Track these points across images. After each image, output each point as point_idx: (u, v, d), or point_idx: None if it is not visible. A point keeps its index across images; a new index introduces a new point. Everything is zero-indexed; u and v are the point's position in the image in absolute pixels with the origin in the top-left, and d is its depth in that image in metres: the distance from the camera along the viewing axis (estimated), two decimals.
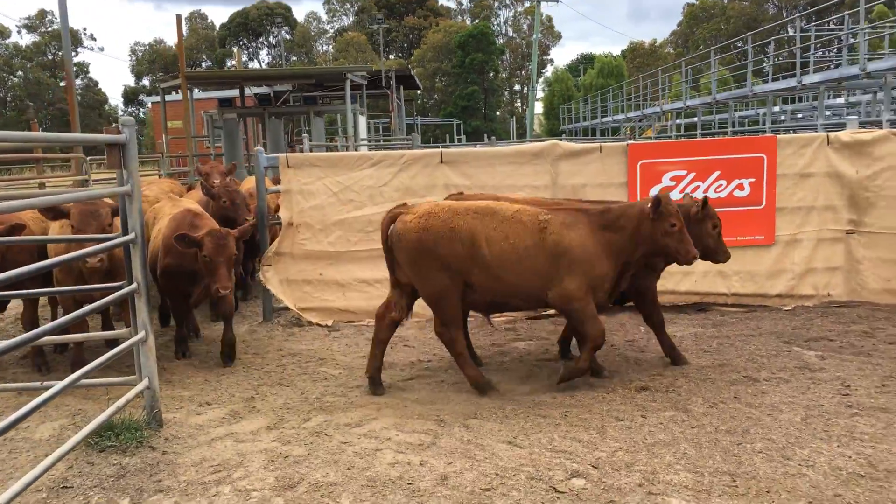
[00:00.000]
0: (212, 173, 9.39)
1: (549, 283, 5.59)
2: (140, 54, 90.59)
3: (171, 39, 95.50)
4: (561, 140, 8.39)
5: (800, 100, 25.14)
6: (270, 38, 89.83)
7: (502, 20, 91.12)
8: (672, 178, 7.90)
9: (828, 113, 23.64)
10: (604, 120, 36.26)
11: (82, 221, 5.66)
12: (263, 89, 25.09)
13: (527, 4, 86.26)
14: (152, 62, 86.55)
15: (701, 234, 6.05)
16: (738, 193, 7.92)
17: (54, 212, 5.77)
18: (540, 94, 66.02)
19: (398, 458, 4.66)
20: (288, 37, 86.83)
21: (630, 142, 8.37)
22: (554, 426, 5.09)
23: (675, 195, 7.76)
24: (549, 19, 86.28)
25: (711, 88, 23.53)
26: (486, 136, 33.35)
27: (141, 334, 4.98)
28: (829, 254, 8.14)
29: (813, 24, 20.75)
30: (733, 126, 22.72)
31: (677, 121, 29.99)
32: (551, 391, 5.81)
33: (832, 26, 23.76)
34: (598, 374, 6.04)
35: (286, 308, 8.25)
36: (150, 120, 43.20)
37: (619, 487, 4.16)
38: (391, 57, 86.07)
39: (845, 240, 8.09)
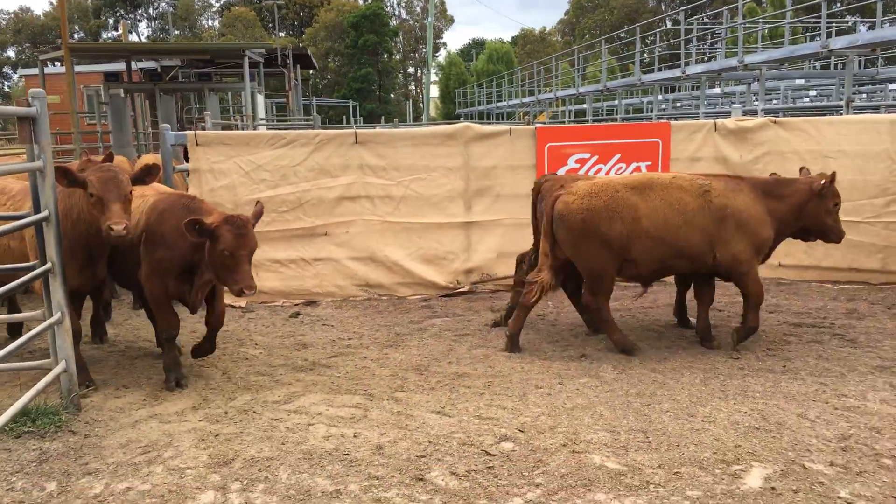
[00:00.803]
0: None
1: (715, 245, 5.93)
2: (3, 23, 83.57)
3: (39, 7, 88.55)
4: (471, 123, 8.62)
5: (680, 89, 26.65)
6: (151, 10, 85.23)
7: (395, 2, 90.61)
8: (577, 161, 8.31)
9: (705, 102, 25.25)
10: (499, 105, 37.03)
11: (104, 188, 5.08)
12: (150, 64, 23.89)
13: None
14: (18, 32, 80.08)
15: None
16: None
17: (69, 178, 5.21)
18: (434, 77, 66.35)
19: (331, 431, 4.75)
20: (171, 10, 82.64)
21: (538, 125, 8.72)
22: (478, 396, 5.33)
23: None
24: (442, 2, 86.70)
25: (601, 77, 24.57)
26: (383, 118, 33.30)
27: (56, 315, 4.79)
28: None
29: (694, 18, 22.02)
30: (620, 113, 23.85)
31: (569, 107, 31.06)
32: (472, 364, 6.06)
33: (709, 21, 25.32)
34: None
35: None
36: (22, 94, 40.09)
37: (546, 448, 4.44)
38: (281, 35, 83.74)
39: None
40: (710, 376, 5.65)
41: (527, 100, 33.08)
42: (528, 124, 12.72)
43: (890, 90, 21.40)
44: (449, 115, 54.14)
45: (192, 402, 5.29)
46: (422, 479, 4.10)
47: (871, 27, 23.09)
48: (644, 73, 21.71)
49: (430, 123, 32.22)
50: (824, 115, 15.32)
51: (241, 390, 5.53)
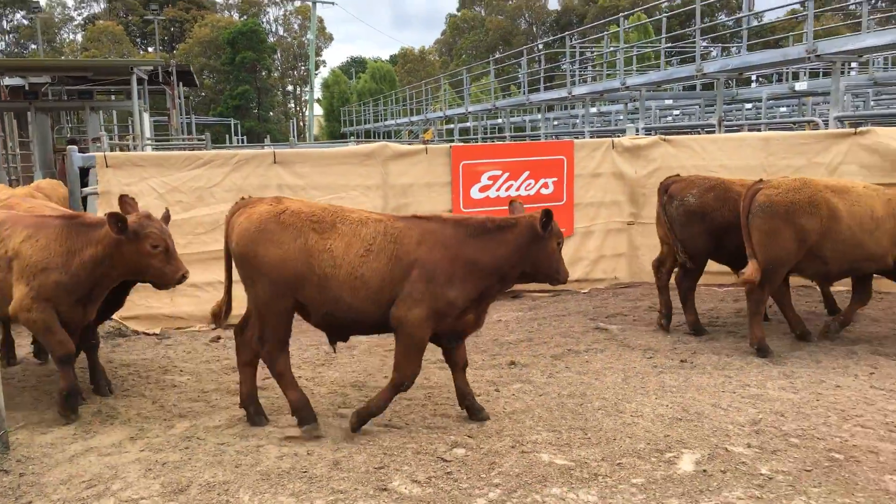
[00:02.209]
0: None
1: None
2: None
3: None
4: (349, 141, 8.81)
5: (564, 108, 27.99)
6: (4, 23, 79.38)
7: (272, 18, 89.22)
8: (489, 178, 8.69)
9: (578, 121, 26.72)
10: (386, 123, 37.35)
11: (168, 239, 5.31)
12: (16, 80, 22.35)
13: (297, 3, 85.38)
14: None
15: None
16: (544, 191, 8.91)
17: (123, 227, 5.16)
18: (317, 95, 65.85)
19: (283, 451, 4.78)
20: (26, 22, 77.28)
21: (453, 144, 9.03)
22: (422, 406, 5.51)
23: (493, 193, 8.60)
24: (321, 20, 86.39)
25: (490, 96, 25.42)
26: (268, 137, 32.73)
27: None
28: (615, 243, 9.46)
29: (577, 41, 23.32)
30: (508, 132, 24.77)
31: (459, 125, 31.84)
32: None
33: (591, 45, 26.85)
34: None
35: None
36: None
37: (497, 451, 4.69)
38: (150, 50, 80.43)
39: (627, 230, 9.46)
40: (630, 375, 6.11)
41: (415, 118, 33.62)
42: (424, 143, 13.05)
43: (747, 109, 23.54)
44: (334, 134, 53.87)
45: (128, 433, 5.13)
46: (385, 489, 4.23)
47: (725, 52, 25.30)
48: (531, 92, 22.69)
49: (327, 143, 31.96)
50: (696, 133, 16.66)
51: (178, 418, 5.42)
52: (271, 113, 77.58)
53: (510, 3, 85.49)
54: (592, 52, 25.25)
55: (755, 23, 19.24)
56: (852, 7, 22.45)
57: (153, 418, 5.41)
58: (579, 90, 19.33)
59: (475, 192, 8.70)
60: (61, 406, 5.35)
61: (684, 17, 38.92)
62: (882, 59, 19.81)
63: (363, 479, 4.35)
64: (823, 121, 10.98)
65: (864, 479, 4.16)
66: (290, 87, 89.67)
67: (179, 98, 23.39)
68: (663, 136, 9.39)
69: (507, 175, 8.77)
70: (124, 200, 5.56)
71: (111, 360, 6.92)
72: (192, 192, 7.85)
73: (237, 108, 66.48)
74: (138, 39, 79.15)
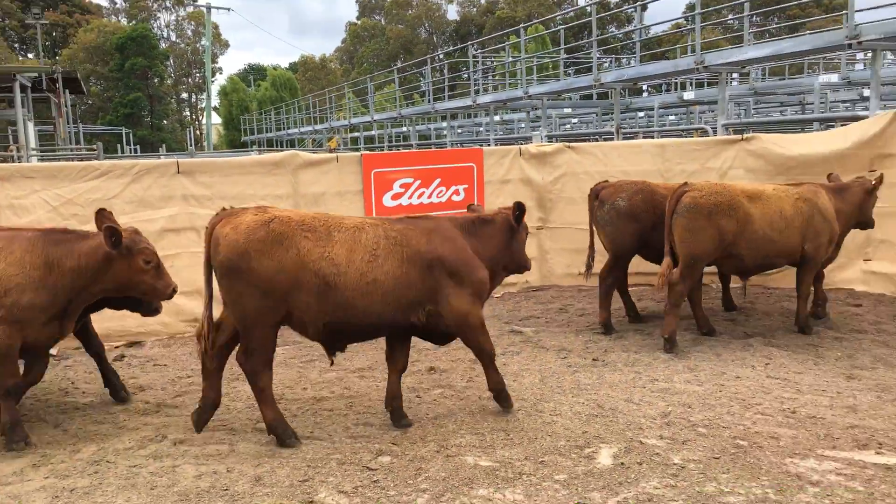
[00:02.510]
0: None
1: (805, 241, 6.99)
2: None
3: None
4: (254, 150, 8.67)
5: (468, 116, 28.38)
6: None
7: (163, 23, 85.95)
8: (402, 186, 8.72)
9: (481, 129, 27.24)
10: (290, 132, 36.69)
11: (155, 254, 5.24)
12: None
13: (190, 9, 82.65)
14: None
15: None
16: (455, 198, 9.02)
17: (117, 242, 4.98)
18: (214, 102, 63.85)
19: (201, 469, 4.61)
20: None
21: (364, 153, 8.99)
22: (343, 416, 5.45)
23: (405, 201, 8.63)
24: (216, 27, 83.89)
25: (395, 104, 25.47)
26: (164, 146, 31.35)
27: None
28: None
29: (480, 52, 23.74)
30: (414, 139, 24.90)
31: (364, 133, 31.70)
32: (328, 387, 6.15)
33: (491, 55, 27.38)
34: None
35: None
36: None
37: (422, 456, 4.70)
38: (30, 56, 75.81)
39: (536, 234, 9.70)
40: (546, 376, 6.28)
41: (319, 126, 33.21)
42: (329, 151, 12.95)
43: (640, 117, 24.68)
44: (234, 143, 52.41)
45: (29, 461, 4.81)
46: (312, 502, 4.17)
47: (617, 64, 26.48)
48: (436, 101, 22.91)
49: (229, 152, 31.03)
50: (595, 140, 17.29)
51: (84, 441, 5.13)
52: (165, 121, 74.59)
53: (410, 12, 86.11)
54: (493, 62, 25.80)
55: (645, 35, 20.23)
56: (730, 22, 23.97)
57: (56, 443, 5.11)
58: (483, 99, 19.70)
59: (387, 200, 8.70)
60: (8, 440, 4.99)
61: (578, 29, 40.45)
62: (760, 71, 21.22)
63: (288, 493, 4.26)
64: (712, 128, 11.66)
65: (768, 463, 4.44)
66: (184, 95, 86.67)
67: (66, 106, 22.21)
68: (568, 144, 9.70)
69: (418, 182, 8.83)
70: (102, 214, 5.24)
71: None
72: (89, 204, 7.44)
73: (128, 117, 63.59)
74: (16, 45, 74.35)
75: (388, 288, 4.87)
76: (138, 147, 36.68)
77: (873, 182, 7.49)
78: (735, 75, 20.44)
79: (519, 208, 5.40)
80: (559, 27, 20.84)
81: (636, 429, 5.04)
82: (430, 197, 8.80)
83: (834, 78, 16.41)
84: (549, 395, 5.77)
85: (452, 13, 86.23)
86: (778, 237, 6.92)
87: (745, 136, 9.29)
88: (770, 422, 5.08)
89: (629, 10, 46.30)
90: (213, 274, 4.87)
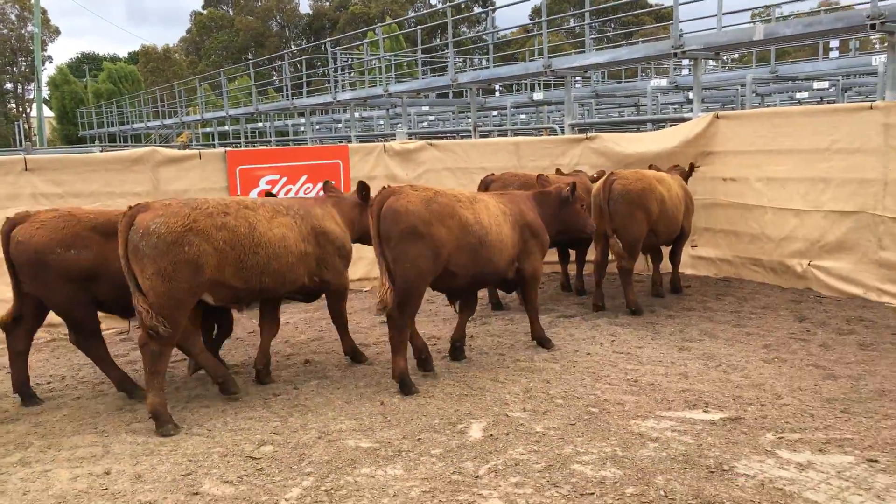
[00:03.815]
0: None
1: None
2: None
3: None
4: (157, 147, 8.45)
5: (325, 112, 28.29)
6: None
7: None
8: (268, 182, 8.74)
9: (340, 125, 27.31)
10: (135, 126, 34.70)
11: None
12: None
13: None
14: None
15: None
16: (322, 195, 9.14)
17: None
18: (44, 94, 58.76)
19: (76, 472, 4.54)
20: None
21: (228, 149, 8.90)
22: (221, 412, 5.50)
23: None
24: (44, 12, 77.19)
25: (251, 98, 24.88)
26: None
27: None
28: None
29: (337, 49, 23.70)
30: (272, 135, 24.49)
31: (218, 129, 30.65)
32: (202, 385, 6.14)
33: (351, 53, 27.36)
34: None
35: None
36: None
37: (305, 443, 4.89)
38: None
39: None
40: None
41: (168, 121, 31.71)
42: (181, 147, 12.61)
43: (493, 116, 25.76)
44: (70, 137, 48.68)
45: None
46: (197, 493, 4.24)
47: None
48: (294, 97, 22.66)
49: (69, 148, 28.88)
50: (453, 137, 17.95)
51: None
52: None
53: (259, 4, 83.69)
54: (352, 60, 25.87)
55: (497, 39, 21.20)
56: (575, 29, 25.53)
57: None
58: (343, 96, 19.79)
59: (254, 197, 8.68)
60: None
61: (431, 29, 41.34)
62: (600, 74, 22.83)
63: (171, 488, 4.31)
64: (560, 127, 12.54)
65: (615, 425, 5.03)
66: (8, 86, 79.23)
67: None
68: (430, 142, 10.10)
69: (285, 179, 8.89)
70: None
71: None
72: None
73: None
74: None
75: (507, 246, 6.27)
76: None
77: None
78: (578, 78, 21.93)
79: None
80: (415, 27, 21.30)
81: (502, 404, 5.50)
82: (297, 193, 8.88)
83: (664, 82, 18.04)
84: (422, 380, 6.11)
85: (305, 7, 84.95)
86: (679, 216, 8.48)
87: (588, 135, 10.13)
88: (616, 390, 5.71)
89: (480, 13, 47.91)
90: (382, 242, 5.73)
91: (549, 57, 12.73)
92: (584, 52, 13.87)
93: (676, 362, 6.34)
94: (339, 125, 29.65)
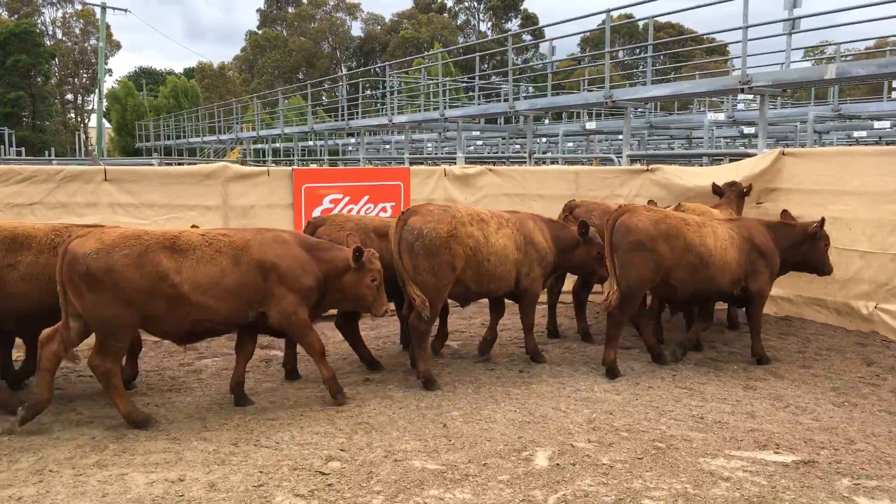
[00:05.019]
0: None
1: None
2: None
3: None
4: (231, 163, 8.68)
5: (373, 134, 28.70)
6: None
7: (48, 20, 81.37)
8: (331, 201, 8.90)
9: (388, 147, 27.73)
10: (191, 140, 35.67)
11: None
12: None
13: (78, 7, 78.75)
14: None
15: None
16: (382, 216, 9.27)
17: None
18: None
19: (151, 477, 4.65)
20: None
21: (295, 168, 9.10)
22: (287, 426, 5.57)
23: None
24: (107, 27, 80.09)
25: (306, 118, 25.38)
26: (53, 151, 29.71)
27: None
28: None
29: (395, 72, 24.12)
30: (325, 154, 24.91)
31: (270, 146, 31.32)
32: (267, 397, 6.25)
33: (411, 77, 27.80)
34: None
35: None
36: None
37: (371, 461, 4.93)
38: None
39: None
40: (478, 387, 6.62)
41: (224, 136, 32.52)
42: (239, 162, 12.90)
43: (541, 142, 25.81)
44: (127, 149, 50.21)
45: None
46: None
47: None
48: (350, 118, 23.07)
49: (129, 160, 29.79)
50: (503, 163, 18.03)
51: (20, 452, 5.02)
52: (48, 123, 70.30)
53: (313, 25, 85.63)
54: (402, 84, 26.24)
55: (554, 69, 21.28)
56: (624, 61, 25.55)
57: None
58: (399, 118, 20.08)
59: (317, 215, 8.84)
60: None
61: (479, 56, 41.75)
62: (653, 106, 22.77)
63: (244, 498, 4.38)
64: (618, 157, 12.53)
65: (684, 462, 4.96)
66: (69, 96, 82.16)
67: None
68: (490, 167, 10.19)
69: (347, 199, 9.04)
70: None
71: None
72: (9, 209, 7.23)
73: (7, 116, 59.63)
74: None
75: (731, 267, 6.99)
76: (23, 149, 34.53)
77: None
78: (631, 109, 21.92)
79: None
80: (474, 54, 21.57)
81: (566, 433, 5.47)
82: (358, 213, 9.01)
83: (721, 116, 17.90)
84: (483, 404, 6.12)
85: (357, 29, 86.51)
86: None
87: (650, 166, 10.09)
88: (682, 426, 5.64)
89: (528, 41, 48.24)
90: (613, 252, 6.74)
91: (611, 87, 12.76)
92: (634, 83, 13.86)
93: (742, 401, 6.23)
94: (387, 146, 30.04)
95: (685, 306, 7.96)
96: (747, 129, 19.63)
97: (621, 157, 12.40)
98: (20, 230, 5.70)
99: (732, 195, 8.90)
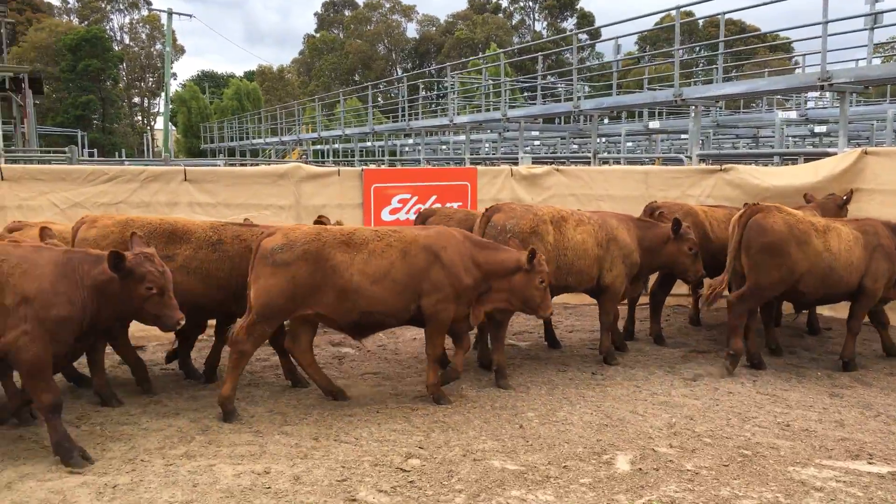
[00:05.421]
0: None
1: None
2: None
3: None
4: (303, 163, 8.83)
5: (432, 134, 28.80)
6: None
7: (116, 25, 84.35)
8: (399, 201, 8.97)
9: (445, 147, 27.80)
10: (254, 142, 36.50)
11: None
12: None
13: (145, 12, 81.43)
14: None
15: None
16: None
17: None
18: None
19: (238, 469, 4.75)
20: None
21: (365, 168, 9.21)
22: (365, 422, 5.63)
23: (403, 216, 8.87)
24: (172, 32, 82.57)
25: (366, 119, 25.69)
26: (123, 152, 30.83)
27: None
28: None
29: (455, 73, 24.19)
30: (386, 155, 25.16)
31: (331, 146, 31.79)
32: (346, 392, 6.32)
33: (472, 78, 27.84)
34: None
35: None
36: None
37: (450, 459, 4.93)
38: None
39: None
40: (551, 388, 6.56)
41: (286, 138, 33.17)
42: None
43: (600, 142, 25.48)
44: (192, 150, 51.69)
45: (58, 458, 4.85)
46: (355, 500, 4.36)
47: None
48: (413, 119, 23.24)
49: (194, 161, 30.63)
50: (563, 163, 17.83)
51: (110, 441, 5.20)
52: (116, 125, 72.88)
53: (369, 28, 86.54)
54: (456, 84, 26.27)
55: (619, 67, 20.98)
56: (684, 57, 24.99)
57: (82, 442, 5.13)
58: (460, 119, 20.12)
59: (385, 215, 8.94)
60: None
61: (532, 56, 41.55)
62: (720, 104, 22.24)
63: (329, 492, 4.44)
64: (687, 157, 12.26)
65: (773, 470, 4.81)
66: (136, 99, 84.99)
67: (29, 108, 21.77)
68: (557, 167, 10.10)
69: (415, 199, 9.08)
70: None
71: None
72: (97, 208, 7.49)
73: (79, 119, 62.02)
74: (3, 43, 72.18)
75: (856, 268, 6.88)
76: (95, 151, 35.87)
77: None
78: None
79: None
80: (529, 56, 21.45)
81: (646, 438, 5.37)
82: None
83: (793, 114, 17.35)
84: (558, 406, 6.06)
85: (412, 31, 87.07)
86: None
87: (724, 166, 9.84)
88: (768, 433, 5.47)
89: (585, 42, 47.66)
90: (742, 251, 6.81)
91: (680, 85, 12.48)
92: (694, 82, 13.51)
93: (829, 408, 6.02)
94: (444, 147, 30.13)
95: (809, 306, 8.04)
96: (818, 128, 19.00)
97: (688, 156, 12.11)
98: (180, 225, 6.12)
99: (823, 204, 8.37)
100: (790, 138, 22.35)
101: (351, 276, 5.62)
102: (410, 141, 30.18)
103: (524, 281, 6.03)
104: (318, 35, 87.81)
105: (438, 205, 8.95)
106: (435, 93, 22.97)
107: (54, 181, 7.32)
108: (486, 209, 6.93)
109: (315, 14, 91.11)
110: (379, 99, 47.53)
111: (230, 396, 5.61)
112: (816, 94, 20.76)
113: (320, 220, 6.47)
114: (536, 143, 29.01)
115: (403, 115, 24.05)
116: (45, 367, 4.75)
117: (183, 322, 5.13)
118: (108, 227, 5.91)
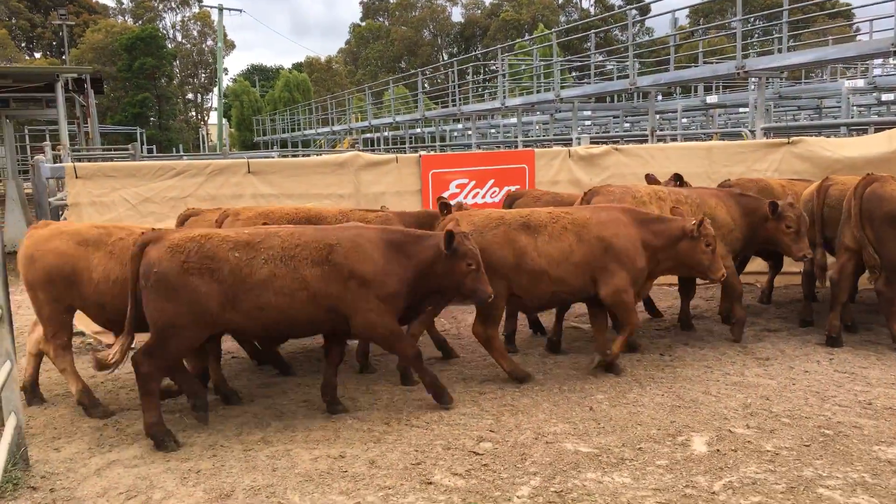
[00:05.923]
0: None
1: None
2: None
3: None
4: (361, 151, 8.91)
5: (482, 118, 28.65)
6: None
7: (168, 23, 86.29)
8: (457, 186, 8.95)
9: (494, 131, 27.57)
10: (306, 132, 37.00)
11: None
12: None
13: (195, 10, 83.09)
14: None
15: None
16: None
17: None
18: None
19: (314, 453, 4.85)
20: None
21: (423, 154, 9.23)
22: (434, 406, 5.65)
23: (462, 200, 8.84)
24: (223, 27, 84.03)
25: (419, 106, 25.75)
26: (179, 148, 31.66)
27: (6, 366, 4.38)
28: None
29: (506, 55, 23.95)
30: (437, 141, 25.18)
31: (381, 134, 31.99)
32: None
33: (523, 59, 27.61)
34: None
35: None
36: None
37: (522, 443, 4.93)
38: (36, 56, 76.27)
39: None
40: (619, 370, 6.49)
41: (337, 128, 33.50)
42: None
43: (656, 120, 24.92)
44: (246, 143, 52.70)
45: (146, 445, 5.03)
46: (430, 483, 4.40)
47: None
48: (463, 103, 23.19)
49: (255, 153, 31.23)
50: (618, 141, 17.53)
51: (190, 429, 5.36)
52: (172, 121, 74.75)
53: (414, 14, 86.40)
54: (506, 66, 26.12)
55: (677, 42, 20.50)
56: (734, 29, 24.18)
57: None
58: (513, 101, 19.96)
59: None
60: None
61: (580, 33, 40.86)
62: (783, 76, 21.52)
63: (405, 475, 4.49)
64: (750, 131, 11.90)
65: (857, 450, 4.67)
66: (189, 95, 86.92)
67: (92, 107, 22.46)
68: (616, 146, 9.93)
69: (473, 183, 9.06)
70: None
71: (94, 374, 6.69)
72: (166, 202, 7.71)
73: (136, 117, 63.79)
74: (23, 45, 74.84)
75: None
76: (154, 147, 36.89)
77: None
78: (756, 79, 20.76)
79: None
80: (577, 35, 21.10)
81: (721, 419, 5.27)
82: (483, 197, 9.03)
83: (859, 83, 16.64)
84: (627, 388, 5.99)
85: (457, 15, 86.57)
86: None
87: (791, 139, 9.51)
88: (849, 412, 5.30)
89: (635, 18, 46.59)
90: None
91: (743, 56, 12.09)
92: (784, 53, 12.99)
93: None
94: (493, 130, 29.96)
95: None
96: (885, 96, 18.18)
97: (752, 130, 11.74)
98: (314, 213, 6.69)
99: None
100: (855, 108, 21.50)
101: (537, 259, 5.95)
102: (460, 126, 30.12)
103: (690, 247, 6.21)
104: (363, 24, 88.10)
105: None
106: (482, 76, 22.71)
107: (125, 178, 7.55)
108: (585, 193, 7.06)
109: (360, 3, 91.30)
110: (426, 85, 47.61)
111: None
112: (880, 60, 19.85)
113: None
114: (587, 122, 28.60)
115: (453, 101, 24.01)
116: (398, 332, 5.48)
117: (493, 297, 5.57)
118: (252, 218, 6.37)
